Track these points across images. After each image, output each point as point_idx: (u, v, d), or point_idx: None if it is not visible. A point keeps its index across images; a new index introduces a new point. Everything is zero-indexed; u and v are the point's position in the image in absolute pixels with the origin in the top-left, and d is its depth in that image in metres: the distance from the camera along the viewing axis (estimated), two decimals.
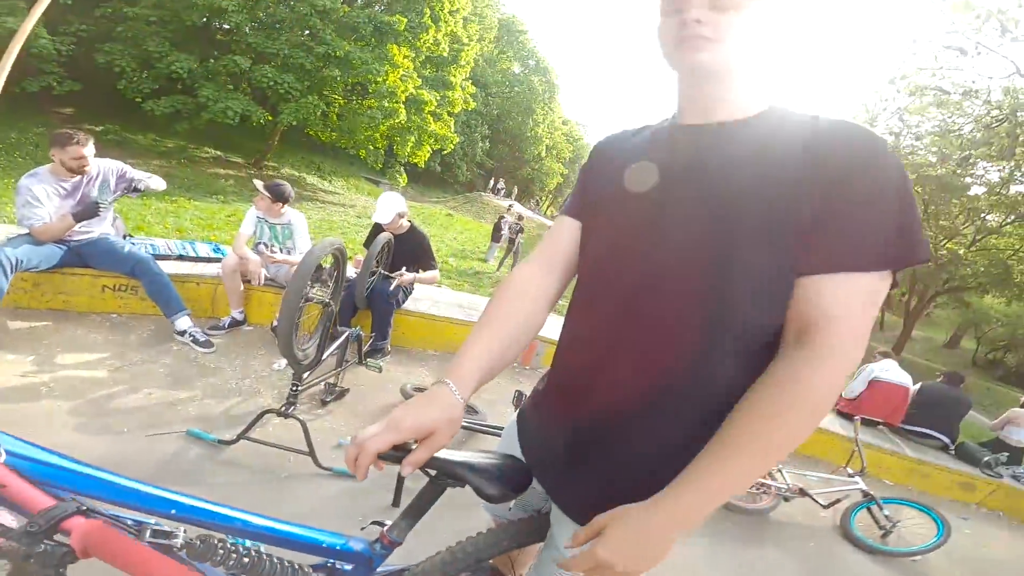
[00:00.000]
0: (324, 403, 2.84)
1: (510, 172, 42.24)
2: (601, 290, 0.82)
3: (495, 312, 0.88)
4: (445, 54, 18.30)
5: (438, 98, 17.84)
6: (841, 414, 4.82)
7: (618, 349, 0.78)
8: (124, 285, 3.26)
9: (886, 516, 3.04)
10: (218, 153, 16.61)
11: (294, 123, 14.75)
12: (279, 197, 3.50)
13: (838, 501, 3.13)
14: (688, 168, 0.77)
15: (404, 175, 20.08)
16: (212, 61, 13.93)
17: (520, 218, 15.18)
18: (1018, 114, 8.31)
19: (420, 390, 3.18)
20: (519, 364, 4.41)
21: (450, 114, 19.30)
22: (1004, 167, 13.62)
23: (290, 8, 14.40)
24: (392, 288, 3.52)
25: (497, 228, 14.05)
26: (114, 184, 3.08)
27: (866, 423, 4.64)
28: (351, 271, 3.81)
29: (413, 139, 17.47)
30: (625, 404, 0.78)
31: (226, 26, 14.02)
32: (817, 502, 3.07)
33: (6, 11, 10.89)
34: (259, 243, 3.63)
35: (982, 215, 17.37)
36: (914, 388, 4.86)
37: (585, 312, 0.86)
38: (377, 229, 3.76)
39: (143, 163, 12.82)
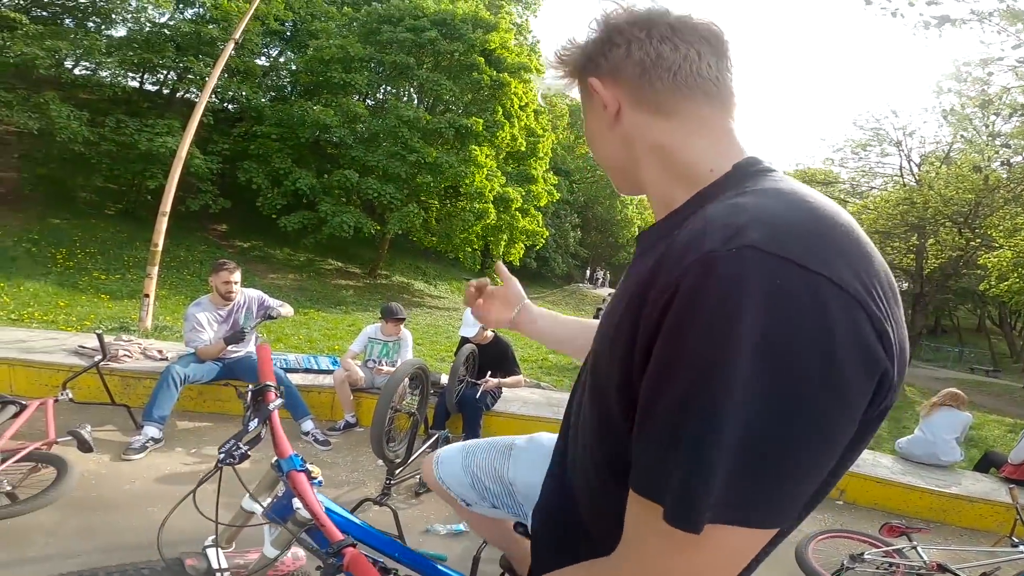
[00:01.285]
0: (417, 494, 3.16)
1: (605, 259, 41.51)
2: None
3: (585, 321, 1.18)
4: (524, 148, 18.91)
5: (523, 193, 18.34)
6: (1009, 480, 4.19)
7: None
8: None
9: None
10: (339, 264, 18.45)
11: (399, 231, 15.95)
12: (401, 321, 4.18)
13: (988, 574, 2.65)
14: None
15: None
16: (326, 176, 15.61)
17: (604, 301, 15.13)
18: None
19: None
20: None
21: (537, 208, 19.66)
22: None
23: (382, 120, 16.02)
24: (479, 394, 3.85)
25: (597, 319, 14.12)
26: (256, 311, 3.79)
27: None
28: (444, 380, 4.20)
29: (505, 237, 18.13)
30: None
31: (334, 139, 15.58)
32: None
33: (164, 131, 12.70)
34: (368, 359, 4.19)
35: None
36: None
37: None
38: (464, 340, 4.18)
39: (282, 276, 14.70)
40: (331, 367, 4.48)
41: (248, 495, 1.18)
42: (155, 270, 6.42)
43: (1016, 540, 2.78)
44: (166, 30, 14.78)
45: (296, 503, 1.07)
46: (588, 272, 38.96)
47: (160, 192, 7.03)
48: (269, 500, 1.19)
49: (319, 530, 1.02)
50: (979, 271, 17.66)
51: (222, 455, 1.10)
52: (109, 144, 12.51)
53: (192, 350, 3.61)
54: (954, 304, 32.35)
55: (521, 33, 24.58)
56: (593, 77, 0.67)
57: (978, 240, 16.41)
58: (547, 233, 21.15)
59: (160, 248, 6.51)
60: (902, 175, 19.99)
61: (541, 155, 20.19)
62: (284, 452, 1.11)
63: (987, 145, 14.20)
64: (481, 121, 16.05)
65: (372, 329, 4.22)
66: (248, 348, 3.87)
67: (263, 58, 19.04)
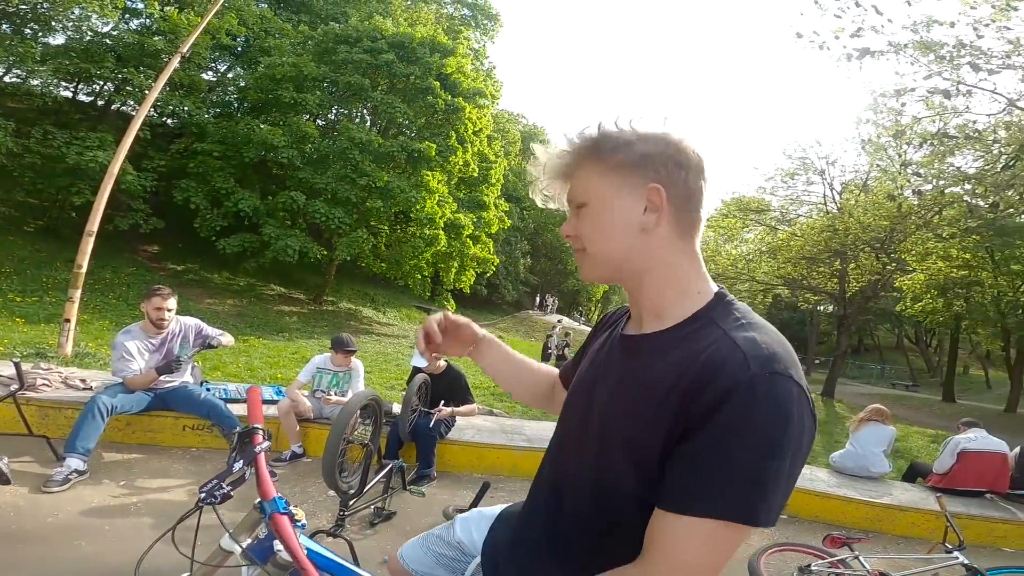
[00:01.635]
0: (372, 524, 3.06)
1: (555, 286, 41.79)
2: (548, 457, 0.97)
3: (534, 363, 1.25)
4: (476, 174, 18.78)
5: (474, 220, 18.12)
6: (935, 489, 4.51)
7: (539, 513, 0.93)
8: (201, 425, 3.77)
9: None
10: (282, 290, 17.64)
11: (348, 257, 15.33)
12: (352, 353, 4.09)
13: None
14: (600, 381, 0.85)
15: (452, 301, 20.72)
16: (271, 198, 14.84)
17: (567, 334, 15.40)
18: None
19: (461, 511, 3.23)
20: None
21: (488, 235, 19.49)
22: None
23: (332, 142, 15.59)
24: (432, 423, 3.82)
25: (546, 347, 14.32)
26: (192, 340, 3.58)
27: (967, 495, 4.41)
28: (397, 409, 4.11)
29: (456, 264, 17.89)
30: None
31: (281, 160, 14.84)
32: None
33: (96, 144, 11.89)
34: (317, 389, 4.06)
35: None
36: (1013, 452, 4.63)
37: (550, 449, 0.99)
38: (416, 371, 4.17)
39: (220, 302, 13.88)
40: (274, 397, 4.28)
41: (228, 535, 1.14)
42: (77, 293, 5.94)
43: (949, 546, 2.95)
44: (107, 40, 14.04)
45: (277, 545, 1.07)
46: (538, 299, 39.46)
47: (87, 209, 6.57)
48: (249, 541, 1.17)
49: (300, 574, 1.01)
50: (896, 293, 19.11)
51: (203, 494, 1.08)
52: (34, 156, 11.66)
53: (120, 380, 3.36)
54: (875, 324, 34.91)
55: (478, 58, 24.81)
56: (654, 183, 0.77)
57: (894, 264, 17.67)
58: (497, 260, 21.08)
59: (84, 270, 6.04)
60: (825, 203, 21.13)
61: (493, 181, 20.10)
62: (268, 494, 1.09)
63: (899, 174, 15.54)
64: (434, 146, 15.82)
65: (321, 359, 4.11)
66: (184, 378, 3.65)
67: (210, 72, 18.35)
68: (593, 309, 48.14)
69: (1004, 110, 8.35)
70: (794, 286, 21.12)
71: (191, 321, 3.65)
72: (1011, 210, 12.28)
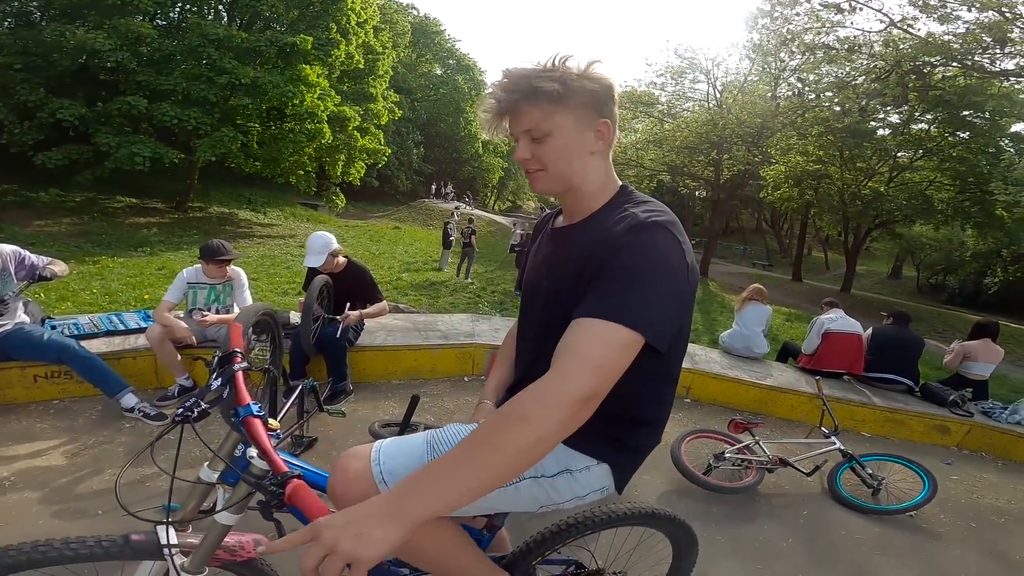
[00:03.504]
0: (295, 455, 2.73)
1: (450, 174, 42.10)
2: (520, 340, 1.27)
3: (504, 352, 1.41)
4: (361, 67, 17.98)
5: (361, 112, 17.50)
6: (805, 370, 4.90)
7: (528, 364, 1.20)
8: (56, 372, 3.07)
9: (870, 474, 3.09)
10: (133, 200, 15.52)
11: (213, 158, 14.02)
12: (226, 262, 3.40)
13: (818, 468, 3.17)
14: (551, 261, 1.12)
15: (342, 196, 19.50)
16: (101, 104, 12.99)
17: (471, 220, 15.07)
18: (902, 63, 8.83)
19: (390, 426, 3.05)
20: (486, 376, 4.32)
21: (377, 126, 18.96)
22: (903, 110, 14.51)
23: (179, 41, 13.62)
24: (339, 331, 3.39)
25: (446, 234, 13.87)
26: (16, 273, 2.81)
27: (830, 376, 4.70)
28: (296, 319, 3.63)
29: (343, 158, 17.09)
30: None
31: (108, 64, 12.81)
32: (799, 470, 3.11)
33: None
34: (191, 309, 3.41)
35: (893, 154, 18.56)
36: (866, 334, 4.88)
37: (519, 342, 1.27)
38: (313, 273, 3.59)
39: (53, 222, 11.88)
40: (143, 323, 3.60)
41: (208, 462, 1.11)
42: None
43: (826, 431, 3.31)
44: None
45: (251, 452, 1.04)
46: (433, 187, 38.87)
47: None
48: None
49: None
50: (760, 181, 21.25)
51: (180, 411, 1.04)
52: None
53: None
54: (740, 208, 38.68)
55: None
56: (604, 119, 1.02)
57: (760, 156, 19.76)
58: (389, 151, 20.33)
59: None
60: (708, 100, 22.80)
61: (381, 73, 19.45)
62: (243, 400, 1.08)
63: (780, 76, 16.85)
64: (311, 39, 14.34)
65: (191, 272, 3.39)
66: (17, 319, 2.91)
67: None
68: (490, 195, 48.67)
69: (885, 28, 8.79)
70: (676, 173, 22.92)
71: (7, 249, 2.83)
72: (870, 116, 13.60)
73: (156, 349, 3.16)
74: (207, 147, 13.49)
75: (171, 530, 1.06)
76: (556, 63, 0.98)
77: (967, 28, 7.84)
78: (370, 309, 3.65)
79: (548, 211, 1.31)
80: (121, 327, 3.52)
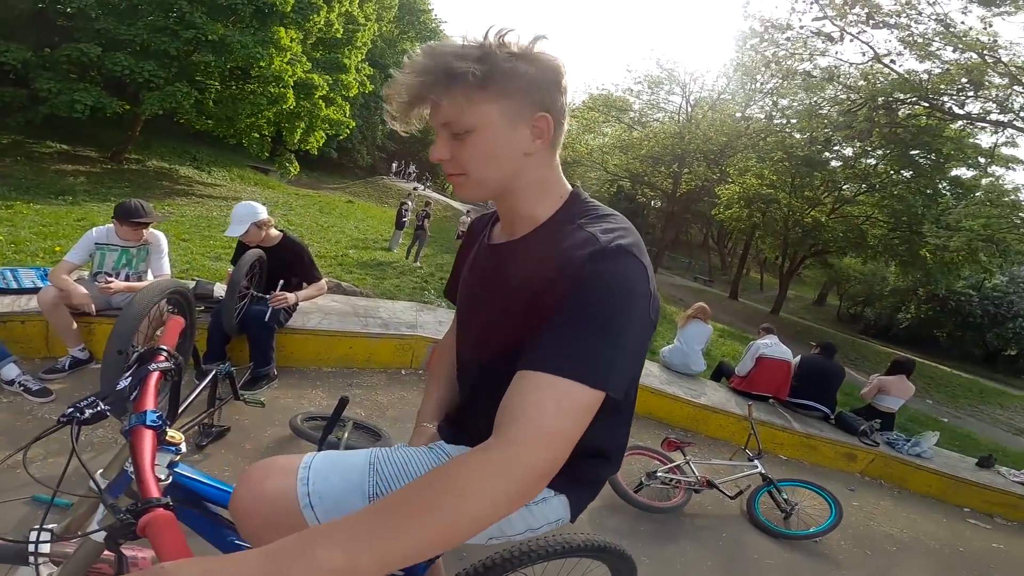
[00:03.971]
0: (200, 447, 2.51)
1: (414, 154, 41.42)
2: (458, 360, 1.10)
3: (438, 367, 1.21)
4: (339, 36, 17.24)
5: (331, 82, 16.75)
6: (736, 391, 5.05)
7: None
8: None
9: (785, 499, 3.20)
10: (64, 147, 14.26)
11: (160, 112, 13.13)
12: (142, 225, 3.03)
13: (741, 492, 3.26)
14: (489, 283, 0.95)
15: (296, 163, 18.67)
16: (50, 50, 11.96)
17: (428, 203, 14.75)
18: (877, 99, 9.22)
19: (315, 419, 2.86)
20: (425, 370, 4.19)
21: (345, 98, 18.13)
22: (857, 145, 15.33)
23: None
24: (268, 312, 3.13)
25: (400, 214, 13.49)
26: None
27: (758, 398, 4.88)
28: (220, 292, 3.34)
29: (304, 125, 16.30)
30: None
31: (68, 10, 11.98)
32: (724, 493, 3.18)
33: None
34: (96, 272, 3.06)
35: (840, 186, 19.67)
36: (794, 361, 5.10)
37: (459, 361, 1.10)
38: (244, 247, 3.29)
39: None
40: (39, 283, 3.21)
41: (102, 469, 0.95)
42: None
43: (750, 453, 3.39)
44: None
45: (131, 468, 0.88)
46: (395, 165, 38.07)
47: None
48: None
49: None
50: (715, 199, 22.03)
51: (70, 410, 0.89)
52: None
53: None
54: (691, 223, 40.06)
55: None
56: (542, 112, 0.81)
57: (718, 174, 20.42)
58: (353, 124, 19.60)
59: None
60: (679, 113, 23.21)
61: (359, 45, 18.68)
62: (142, 405, 0.92)
63: (752, 97, 17.41)
64: (292, 1, 13.60)
65: (100, 232, 3.01)
66: None
67: None
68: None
69: (867, 62, 9.13)
70: (637, 180, 23.45)
71: None
72: (831, 147, 14.21)
73: (48, 315, 2.81)
74: (156, 100, 12.61)
75: (42, 537, 0.93)
76: (486, 39, 0.78)
77: (945, 68, 8.23)
78: (307, 290, 3.37)
79: (485, 213, 1.12)
80: (14, 285, 3.12)
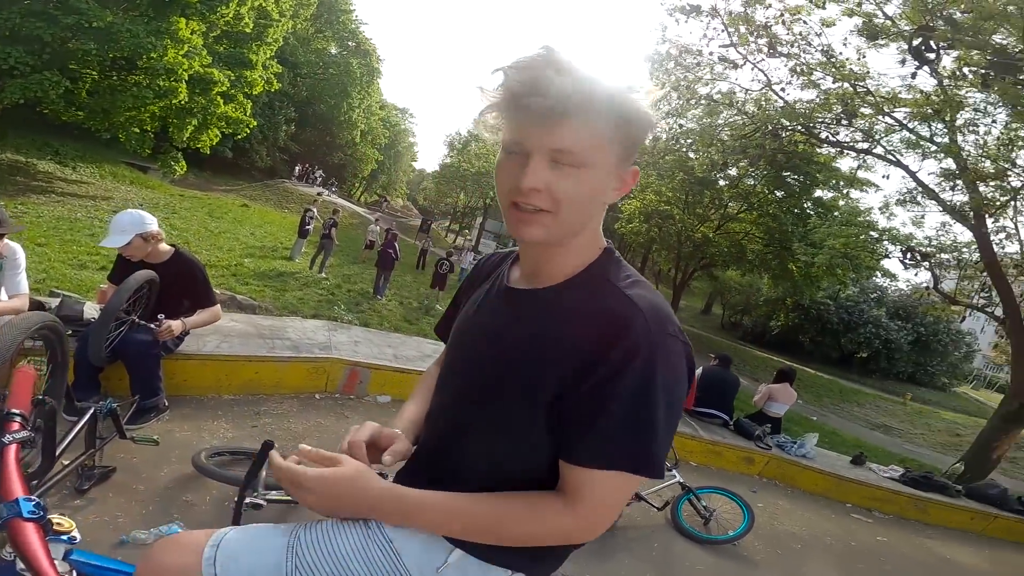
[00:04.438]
0: (81, 491, 2.13)
1: (319, 158, 39.63)
2: (439, 397, 0.97)
3: (420, 389, 1.08)
4: (248, 30, 16.22)
5: (232, 78, 15.73)
6: None
7: (432, 455, 0.93)
8: None
9: (704, 506, 3.39)
10: None
11: (20, 100, 11.51)
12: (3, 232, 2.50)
13: (667, 503, 3.42)
14: (504, 331, 0.84)
15: (183, 162, 16.96)
16: None
17: (336, 211, 14.06)
18: (768, 125, 10.16)
19: (222, 455, 2.54)
20: (341, 394, 3.93)
21: (247, 96, 17.05)
22: (742, 166, 16.96)
23: None
24: (153, 340, 2.71)
25: (303, 221, 12.71)
26: None
27: None
28: (91, 312, 2.87)
29: (196, 122, 15.02)
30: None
31: None
32: (652, 504, 3.30)
33: None
34: None
35: (725, 204, 21.65)
36: (698, 372, 5.45)
37: (434, 407, 0.98)
38: (127, 263, 2.84)
39: None
40: None
41: None
42: None
43: (668, 464, 3.53)
44: None
45: (20, 565, 0.77)
46: (298, 169, 36.07)
47: None
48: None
49: None
50: (617, 213, 23.29)
51: None
52: None
53: None
54: None
55: None
56: (636, 167, 0.80)
57: None
58: (254, 123, 18.39)
59: None
60: None
61: (269, 41, 17.90)
62: (9, 492, 0.77)
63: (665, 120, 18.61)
64: None
65: None
66: None
67: None
68: (358, 186, 46.73)
69: (762, 89, 10.03)
70: None
71: None
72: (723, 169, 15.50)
73: None
74: (17, 89, 11.10)
75: None
76: (633, 81, 0.74)
77: (824, 97, 9.21)
78: (199, 316, 2.97)
79: (495, 252, 1.07)
80: None
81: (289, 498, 2.11)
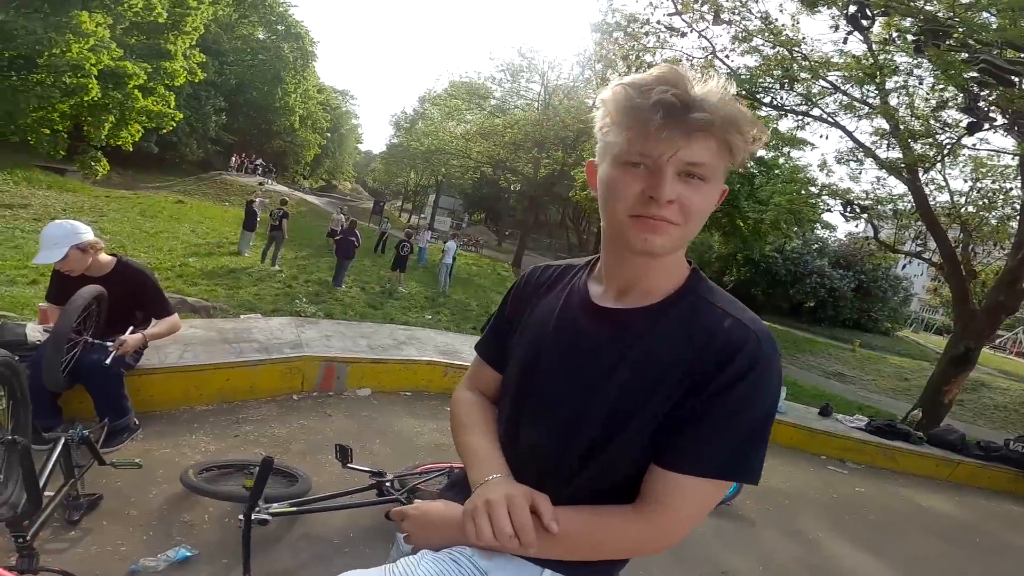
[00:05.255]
0: (73, 523, 2.01)
1: (256, 147, 37.81)
2: (519, 428, 0.90)
3: (473, 420, 0.97)
4: (163, 20, 15.26)
5: (150, 70, 14.71)
6: None
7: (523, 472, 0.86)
8: None
9: None
10: None
11: None
12: None
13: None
14: (589, 354, 0.82)
15: (104, 162, 15.74)
16: None
17: (284, 201, 13.49)
18: None
19: (212, 469, 2.44)
20: (320, 392, 3.83)
21: (169, 88, 15.96)
22: None
23: None
24: (110, 358, 2.50)
25: (250, 213, 12.13)
26: None
27: None
28: (36, 334, 2.65)
29: (113, 119, 14.13)
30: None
31: None
32: None
33: None
34: None
35: None
36: None
37: (506, 436, 0.92)
38: (63, 278, 2.60)
39: None
40: None
41: None
42: None
43: None
44: None
45: None
46: (234, 159, 34.31)
47: None
48: None
49: None
50: (572, 182, 23.56)
51: None
52: None
53: None
54: (549, 204, 42.34)
55: None
56: (726, 185, 0.80)
57: (574, 158, 21.95)
58: (180, 116, 17.30)
59: None
60: (537, 101, 24.10)
61: (188, 30, 17.03)
62: None
63: (605, 86, 19.02)
64: None
65: None
66: None
67: None
68: (301, 172, 45.22)
69: (707, 56, 10.11)
70: (499, 167, 24.00)
71: None
72: None
73: None
74: None
75: None
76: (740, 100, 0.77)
77: (764, 63, 9.43)
78: (156, 328, 2.78)
79: (547, 265, 0.99)
80: None
81: (294, 509, 2.05)
